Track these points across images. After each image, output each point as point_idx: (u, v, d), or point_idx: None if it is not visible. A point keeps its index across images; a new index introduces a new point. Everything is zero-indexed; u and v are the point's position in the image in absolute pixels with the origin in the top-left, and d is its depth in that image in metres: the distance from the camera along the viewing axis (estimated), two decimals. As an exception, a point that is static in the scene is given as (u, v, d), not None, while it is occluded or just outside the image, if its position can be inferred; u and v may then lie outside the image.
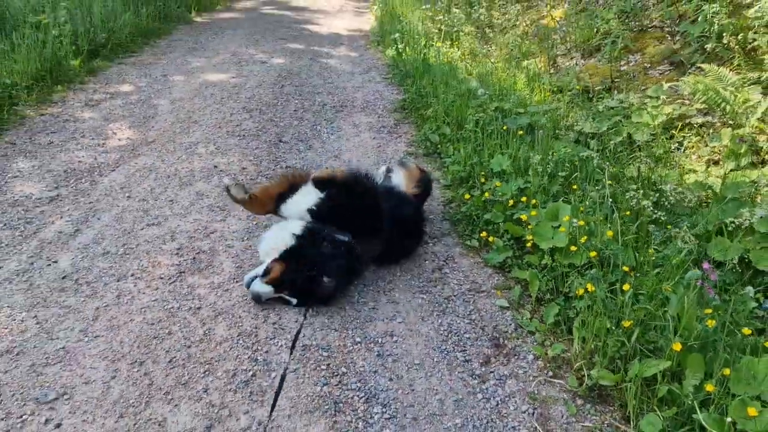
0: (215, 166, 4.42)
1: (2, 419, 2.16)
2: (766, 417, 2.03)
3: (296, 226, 2.94)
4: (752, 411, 2.00)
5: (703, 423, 2.07)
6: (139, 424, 2.17)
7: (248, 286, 2.85)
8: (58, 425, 2.15)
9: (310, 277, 2.79)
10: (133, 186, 4.06)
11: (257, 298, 2.85)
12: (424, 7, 9.76)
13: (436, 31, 8.66)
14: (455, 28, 8.66)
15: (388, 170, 3.99)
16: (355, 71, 7.54)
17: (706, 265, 2.57)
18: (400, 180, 3.79)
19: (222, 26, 10.10)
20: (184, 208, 3.79)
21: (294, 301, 2.86)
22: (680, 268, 2.79)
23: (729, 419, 2.01)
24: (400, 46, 7.77)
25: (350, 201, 3.06)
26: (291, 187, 3.11)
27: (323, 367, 2.52)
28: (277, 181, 3.21)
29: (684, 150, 4.60)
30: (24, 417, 2.18)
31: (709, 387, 2.14)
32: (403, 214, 3.32)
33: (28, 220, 3.58)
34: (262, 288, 2.82)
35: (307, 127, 5.40)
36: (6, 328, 2.63)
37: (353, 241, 2.93)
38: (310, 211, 3.00)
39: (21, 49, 5.89)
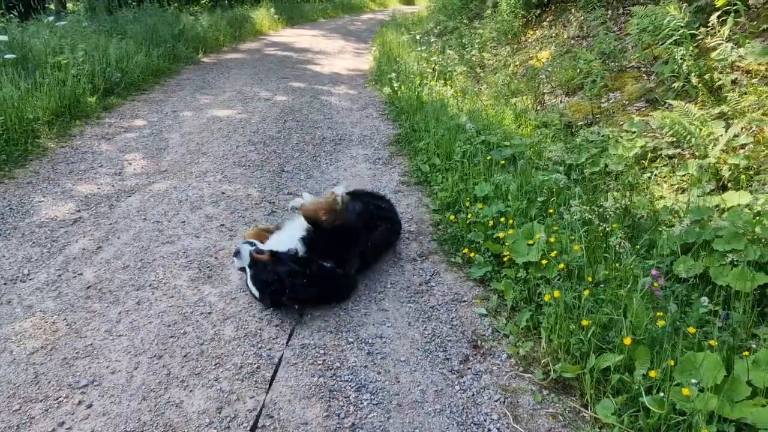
0: (223, 193, 4.81)
1: (41, 401, 2.50)
2: (700, 398, 2.36)
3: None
4: (686, 391, 2.34)
5: (647, 404, 2.41)
6: (159, 405, 2.51)
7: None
8: (90, 406, 2.48)
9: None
10: (148, 209, 4.45)
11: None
12: (419, 48, 10.33)
13: (431, 71, 9.19)
14: (449, 68, 9.19)
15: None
16: (353, 108, 8.03)
17: (654, 272, 2.93)
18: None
19: (228, 66, 10.66)
20: (195, 228, 4.17)
21: None
22: (637, 277, 3.15)
23: (662, 394, 2.35)
24: (395, 85, 8.28)
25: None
26: None
27: (319, 362, 2.86)
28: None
29: (656, 179, 4.99)
30: (60, 399, 2.52)
31: (653, 373, 2.48)
32: None
33: (54, 238, 3.96)
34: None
35: (307, 158, 5.83)
36: (40, 329, 2.98)
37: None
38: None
39: (42, 87, 6.36)
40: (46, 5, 10.81)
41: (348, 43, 15.09)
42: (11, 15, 8.46)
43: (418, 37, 11.11)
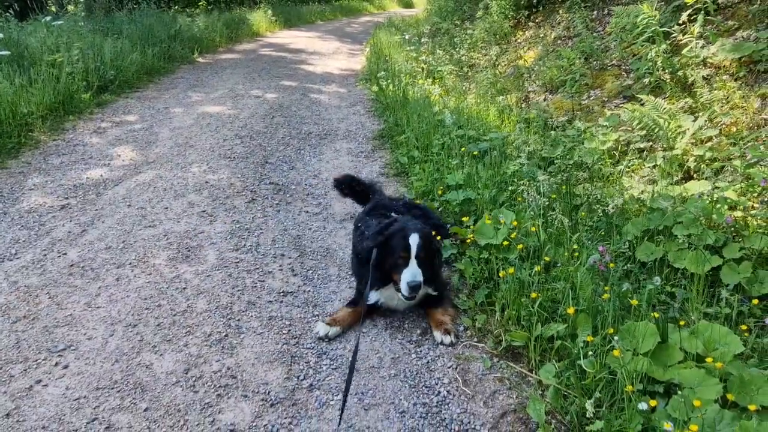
0: (207, 182, 5.01)
1: (21, 362, 2.69)
2: (633, 360, 2.54)
3: None
4: (616, 353, 2.51)
5: (583, 366, 2.58)
6: (131, 366, 2.69)
7: None
8: (66, 367, 2.67)
9: None
10: (133, 197, 4.64)
11: None
12: (408, 48, 10.53)
13: (420, 70, 9.39)
14: (438, 68, 9.39)
15: None
16: (341, 105, 8.22)
17: (601, 248, 3.11)
18: None
19: (222, 66, 10.87)
20: (177, 214, 4.36)
21: None
22: (589, 255, 3.32)
23: (591, 354, 2.52)
24: (383, 83, 8.46)
25: None
26: None
27: (285, 332, 3.04)
28: None
29: (626, 171, 5.16)
30: (39, 361, 2.70)
31: (589, 338, 2.66)
32: None
33: (41, 223, 4.15)
34: None
35: (292, 151, 6.02)
36: (24, 301, 3.17)
37: None
38: None
39: (37, 84, 6.56)
40: (46, 7, 11.02)
41: (343, 44, 15.30)
42: (8, 14, 8.67)
43: (407, 37, 11.31)
